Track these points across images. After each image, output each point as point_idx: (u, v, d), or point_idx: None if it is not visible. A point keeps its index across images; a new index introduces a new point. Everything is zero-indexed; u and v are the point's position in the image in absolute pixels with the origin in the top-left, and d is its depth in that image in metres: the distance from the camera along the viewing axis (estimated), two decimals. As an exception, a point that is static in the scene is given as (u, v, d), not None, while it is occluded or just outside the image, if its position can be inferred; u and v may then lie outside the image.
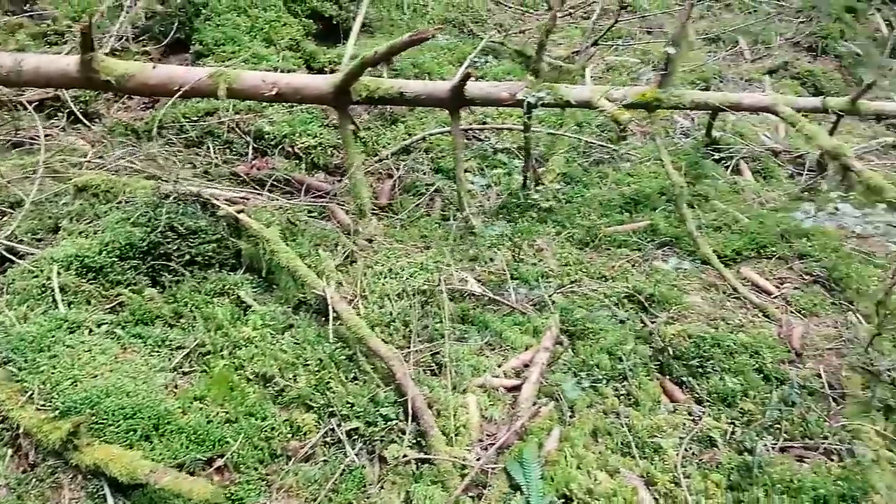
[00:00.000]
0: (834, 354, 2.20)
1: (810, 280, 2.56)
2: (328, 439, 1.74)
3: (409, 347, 2.01)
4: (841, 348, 2.22)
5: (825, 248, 2.62)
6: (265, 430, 1.71)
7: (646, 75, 3.65)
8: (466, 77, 2.37)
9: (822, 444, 1.90)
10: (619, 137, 2.74)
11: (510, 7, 4.34)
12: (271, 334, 1.96)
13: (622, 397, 2.02)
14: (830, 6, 4.27)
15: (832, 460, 1.86)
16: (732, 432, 1.92)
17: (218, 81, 2.48)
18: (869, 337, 2.17)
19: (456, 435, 1.79)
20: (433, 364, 2.01)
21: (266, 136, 2.99)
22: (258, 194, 2.56)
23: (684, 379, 2.10)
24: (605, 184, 3.07)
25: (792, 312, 2.40)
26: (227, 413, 1.71)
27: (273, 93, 2.50)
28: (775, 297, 2.49)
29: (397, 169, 2.85)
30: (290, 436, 1.73)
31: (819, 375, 2.11)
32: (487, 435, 1.83)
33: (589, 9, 4.24)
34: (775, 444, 1.90)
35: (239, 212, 2.16)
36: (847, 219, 2.22)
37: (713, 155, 3.24)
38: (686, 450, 1.86)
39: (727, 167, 3.20)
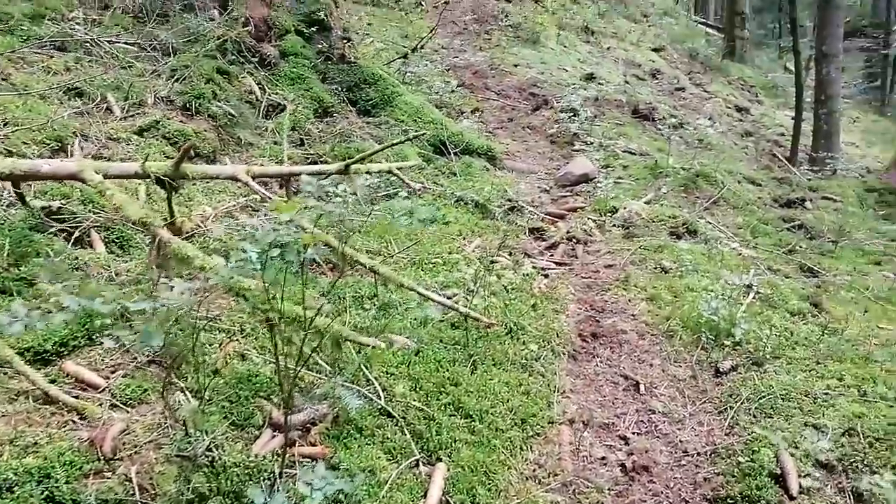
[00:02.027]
0: (153, 447, 2.01)
1: (146, 361, 2.35)
2: None
3: None
4: (163, 438, 2.04)
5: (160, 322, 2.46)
6: None
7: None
8: None
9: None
10: None
11: None
12: None
13: None
14: (202, 67, 4.36)
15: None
16: None
17: None
18: (191, 415, 2.05)
19: None
20: None
21: None
22: None
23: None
24: None
25: (116, 406, 2.13)
26: None
27: None
28: (103, 391, 2.19)
29: None
30: None
31: (130, 479, 1.87)
32: None
33: None
34: None
35: None
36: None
37: (53, 227, 2.80)
38: None
39: (70, 239, 2.80)
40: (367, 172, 3.50)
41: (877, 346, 2.61)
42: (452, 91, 7.77)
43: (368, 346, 2.35)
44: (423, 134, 4.18)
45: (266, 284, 1.83)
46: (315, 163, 4.42)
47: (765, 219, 4.47)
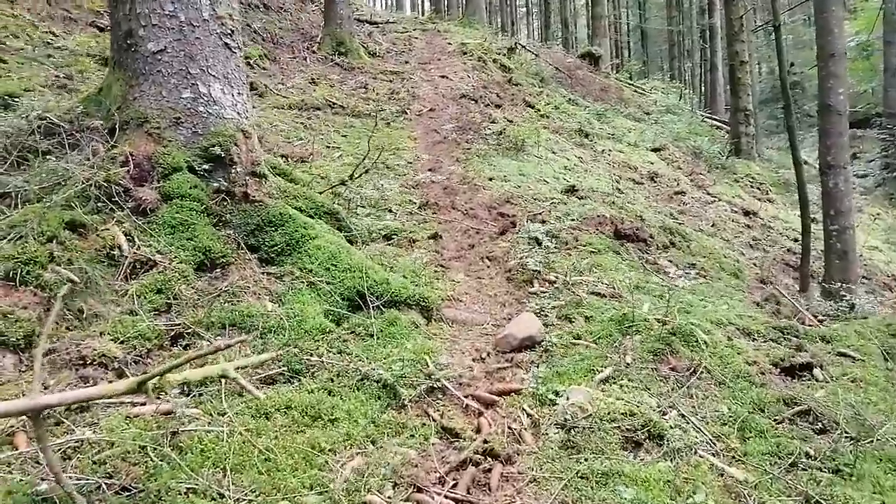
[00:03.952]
0: None
1: None
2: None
3: None
4: None
5: None
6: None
7: None
8: None
9: None
10: None
11: None
12: None
13: None
14: (47, 222, 3.57)
15: None
16: None
17: None
18: None
19: None
20: None
21: None
22: None
23: None
24: None
25: None
26: None
27: None
28: None
29: None
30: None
31: None
32: None
33: None
34: None
35: None
36: None
37: None
38: None
39: None
40: (185, 383, 2.57)
41: None
42: (411, 213, 6.99)
43: None
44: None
45: None
46: (179, 337, 3.52)
47: (760, 401, 3.41)
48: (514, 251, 5.70)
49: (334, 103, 11.55)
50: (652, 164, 12.99)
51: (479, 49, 17.31)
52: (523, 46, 20.26)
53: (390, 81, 14.25)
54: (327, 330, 3.86)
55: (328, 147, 9.43)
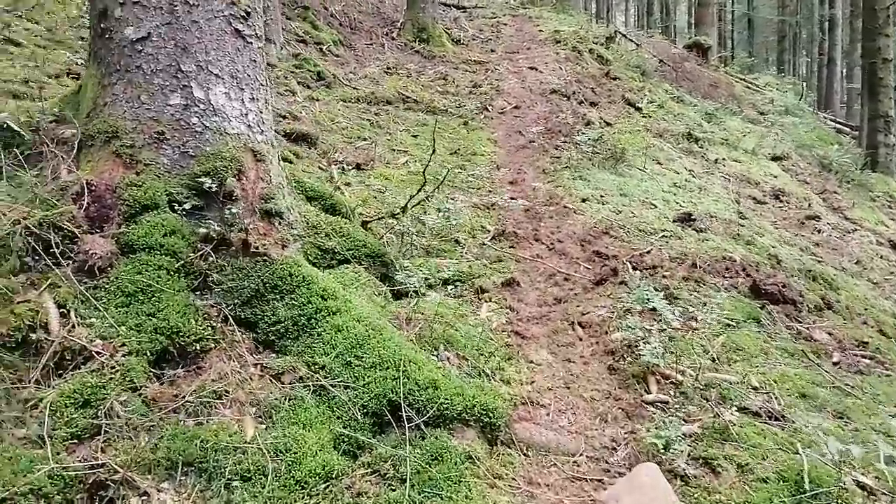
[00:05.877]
0: None
1: None
2: None
3: None
4: None
5: None
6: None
7: None
8: None
9: None
10: None
11: None
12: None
13: None
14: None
15: None
16: None
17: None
18: None
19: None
20: None
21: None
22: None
23: None
24: None
25: None
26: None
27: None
28: None
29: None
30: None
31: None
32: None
33: None
34: None
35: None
36: None
37: None
38: None
39: None
40: None
41: None
42: (483, 246, 5.57)
43: None
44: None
45: None
46: (101, 487, 2.27)
47: None
48: (617, 317, 4.17)
49: (408, 97, 10.24)
50: (775, 177, 10.96)
51: (573, 38, 15.57)
52: (623, 35, 18.29)
53: (473, 72, 12.83)
54: (334, 473, 2.52)
55: (394, 150, 8.13)
